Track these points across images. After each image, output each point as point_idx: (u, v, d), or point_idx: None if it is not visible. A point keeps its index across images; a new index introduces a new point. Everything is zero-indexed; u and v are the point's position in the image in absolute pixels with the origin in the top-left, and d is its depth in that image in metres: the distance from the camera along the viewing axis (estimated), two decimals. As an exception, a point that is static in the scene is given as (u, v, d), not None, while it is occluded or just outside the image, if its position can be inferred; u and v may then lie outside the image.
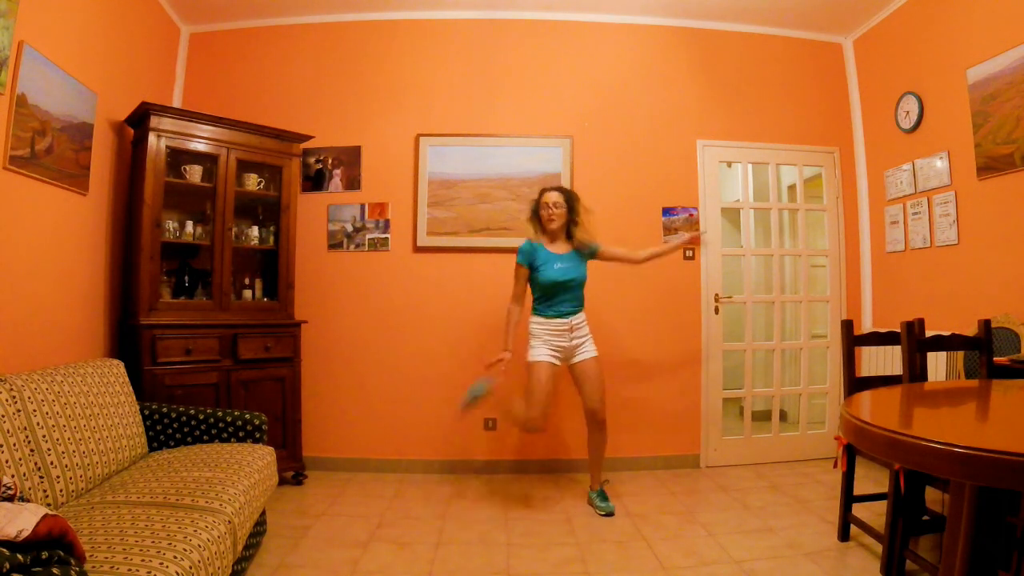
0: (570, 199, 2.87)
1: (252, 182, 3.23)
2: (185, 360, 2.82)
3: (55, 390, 1.93)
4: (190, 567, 1.42)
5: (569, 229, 2.87)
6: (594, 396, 2.81)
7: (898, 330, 2.23)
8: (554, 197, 2.84)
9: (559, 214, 2.82)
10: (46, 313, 2.39)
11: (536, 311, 2.85)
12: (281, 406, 3.18)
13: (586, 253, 2.88)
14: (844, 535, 2.43)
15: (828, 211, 3.83)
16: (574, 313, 2.83)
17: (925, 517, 2.24)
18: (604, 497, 2.87)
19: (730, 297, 3.71)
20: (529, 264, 2.82)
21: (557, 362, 2.81)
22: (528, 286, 2.86)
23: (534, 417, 2.77)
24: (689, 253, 3.66)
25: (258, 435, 2.49)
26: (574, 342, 2.82)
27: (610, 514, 2.77)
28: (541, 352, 2.79)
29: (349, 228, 3.62)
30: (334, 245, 3.62)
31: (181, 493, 1.82)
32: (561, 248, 2.86)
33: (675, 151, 3.71)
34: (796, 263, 4.01)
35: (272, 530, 2.53)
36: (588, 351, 2.84)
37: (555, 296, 2.80)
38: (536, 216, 2.90)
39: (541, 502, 2.99)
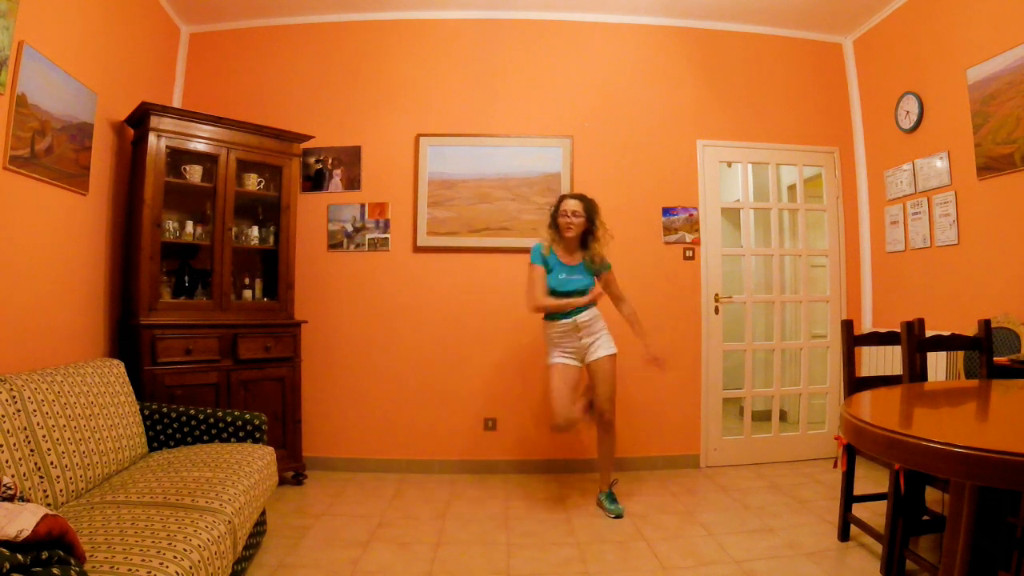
0: (590, 209, 2.82)
1: (252, 182, 3.23)
2: (185, 360, 2.82)
3: (55, 390, 1.93)
4: (190, 567, 1.42)
5: (585, 239, 2.83)
6: (602, 396, 2.79)
7: (898, 330, 2.23)
8: (573, 205, 2.80)
9: (577, 223, 2.79)
10: (46, 313, 2.39)
11: (545, 315, 2.85)
12: (281, 406, 3.18)
13: (595, 268, 2.84)
14: (844, 535, 2.43)
15: (828, 211, 3.83)
16: (576, 313, 2.79)
17: (925, 517, 2.24)
18: (613, 499, 2.84)
19: (730, 297, 3.71)
20: (544, 263, 2.80)
21: (573, 362, 2.81)
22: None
23: (555, 420, 2.78)
24: (689, 253, 3.66)
25: (258, 435, 2.49)
26: (584, 340, 2.79)
27: (619, 516, 2.75)
28: (554, 356, 2.82)
29: (349, 228, 3.62)
30: (334, 245, 3.62)
31: (181, 493, 1.82)
32: (573, 259, 2.83)
33: (675, 151, 3.70)
34: (796, 263, 4.01)
35: (272, 530, 2.53)
36: (602, 349, 2.80)
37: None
38: (554, 223, 2.85)
39: (541, 502, 2.99)
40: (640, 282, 3.62)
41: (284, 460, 3.09)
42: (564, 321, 2.78)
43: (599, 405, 2.81)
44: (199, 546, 1.51)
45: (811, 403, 3.78)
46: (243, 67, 3.68)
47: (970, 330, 2.37)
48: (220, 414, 2.49)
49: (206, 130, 2.99)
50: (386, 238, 3.61)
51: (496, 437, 3.54)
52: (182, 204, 3.10)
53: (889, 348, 3.25)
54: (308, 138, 3.40)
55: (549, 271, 2.79)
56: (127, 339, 2.84)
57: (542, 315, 2.85)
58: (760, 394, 3.82)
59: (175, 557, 1.42)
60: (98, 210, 2.80)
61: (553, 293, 2.77)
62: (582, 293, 2.77)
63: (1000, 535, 1.24)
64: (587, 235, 2.83)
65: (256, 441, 2.48)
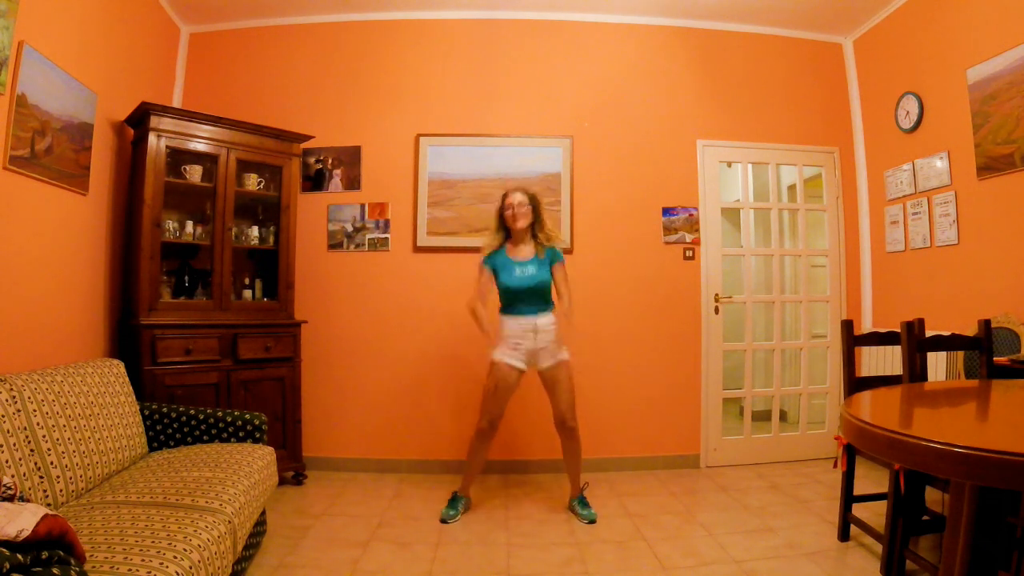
0: (534, 200, 2.82)
1: (252, 182, 3.23)
2: (185, 360, 2.82)
3: (55, 390, 1.93)
4: (190, 567, 1.42)
5: (534, 231, 2.80)
6: (562, 402, 2.75)
7: (898, 330, 2.23)
8: (519, 197, 2.79)
9: (525, 212, 2.76)
10: (46, 313, 2.39)
11: (501, 312, 2.82)
12: (281, 406, 3.18)
13: (547, 258, 2.78)
14: (844, 535, 2.43)
15: (828, 211, 3.83)
16: (539, 313, 2.75)
17: (925, 517, 2.25)
18: (585, 504, 2.81)
19: (730, 297, 3.71)
20: (492, 266, 2.79)
21: (520, 365, 2.75)
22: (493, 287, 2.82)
23: (483, 420, 2.75)
24: (689, 253, 3.66)
25: (258, 435, 2.49)
26: (539, 344, 2.74)
27: (592, 522, 2.72)
28: (504, 352, 2.74)
29: (349, 228, 3.62)
30: (334, 245, 3.62)
31: (181, 493, 1.82)
32: (524, 253, 2.79)
33: (675, 151, 3.70)
34: (796, 263, 4.01)
35: (272, 530, 2.53)
36: (557, 355, 2.75)
37: (516, 301, 2.75)
38: (501, 219, 2.83)
39: (541, 502, 2.99)
40: (640, 282, 3.63)
41: (284, 460, 3.09)
42: (524, 319, 2.74)
43: (560, 412, 2.76)
44: (199, 546, 1.51)
45: (811, 403, 3.78)
46: (243, 67, 3.68)
47: (970, 330, 2.37)
48: (220, 414, 2.49)
49: (206, 130, 2.99)
50: (386, 238, 3.61)
51: (495, 437, 3.53)
52: (182, 204, 3.10)
53: (889, 348, 3.25)
54: (308, 138, 3.40)
55: (498, 271, 2.76)
56: (127, 339, 2.84)
57: (484, 311, 2.80)
58: (760, 394, 3.82)
59: (175, 557, 1.41)
60: (98, 210, 2.80)
61: (508, 291, 2.74)
62: (538, 288, 2.73)
63: (1000, 535, 1.24)
64: (535, 226, 2.80)
65: (256, 441, 2.48)
